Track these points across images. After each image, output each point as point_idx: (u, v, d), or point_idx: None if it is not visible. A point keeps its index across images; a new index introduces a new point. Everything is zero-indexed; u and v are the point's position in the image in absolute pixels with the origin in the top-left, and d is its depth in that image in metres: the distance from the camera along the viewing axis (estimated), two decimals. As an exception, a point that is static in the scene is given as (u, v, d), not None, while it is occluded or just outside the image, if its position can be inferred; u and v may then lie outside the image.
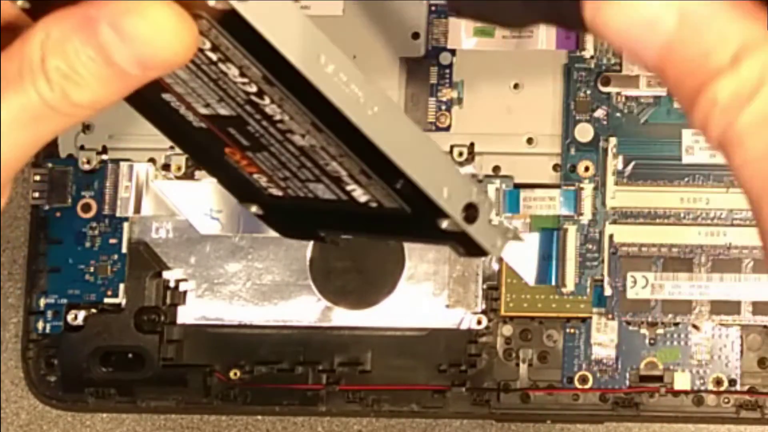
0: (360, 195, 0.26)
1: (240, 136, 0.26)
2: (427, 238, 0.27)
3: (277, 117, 0.25)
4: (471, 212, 0.26)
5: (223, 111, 0.25)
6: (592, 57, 0.57)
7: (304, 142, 0.25)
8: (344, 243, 0.30)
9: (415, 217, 0.26)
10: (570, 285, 0.56)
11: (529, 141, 0.57)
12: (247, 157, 0.27)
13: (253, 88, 0.24)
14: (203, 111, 0.26)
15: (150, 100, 0.26)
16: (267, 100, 0.24)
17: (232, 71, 0.23)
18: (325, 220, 0.28)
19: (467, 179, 0.26)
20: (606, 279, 0.56)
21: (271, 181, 0.28)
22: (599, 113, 0.57)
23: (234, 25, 0.22)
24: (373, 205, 0.26)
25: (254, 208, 0.29)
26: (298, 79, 0.23)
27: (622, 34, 0.22)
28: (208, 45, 0.23)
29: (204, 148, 0.27)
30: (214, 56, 0.23)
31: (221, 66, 0.23)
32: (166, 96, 0.25)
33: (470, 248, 0.26)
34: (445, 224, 0.25)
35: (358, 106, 0.23)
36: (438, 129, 0.57)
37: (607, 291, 0.55)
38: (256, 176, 0.28)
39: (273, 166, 0.27)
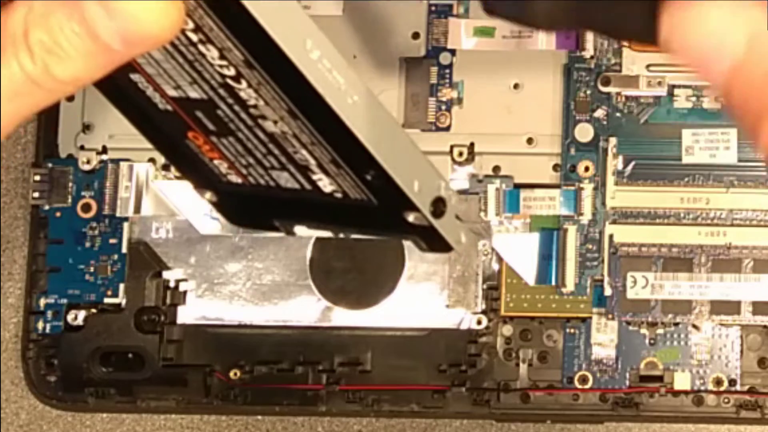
0: (326, 185, 0.26)
1: (207, 120, 0.26)
2: (390, 231, 0.26)
3: (252, 102, 0.24)
4: (439, 206, 0.26)
5: (194, 94, 0.25)
6: (592, 57, 0.57)
7: (276, 128, 0.25)
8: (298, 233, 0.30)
9: (381, 209, 0.26)
10: (570, 285, 0.56)
11: (529, 141, 0.57)
12: (210, 142, 0.27)
13: (231, 72, 0.24)
14: (172, 93, 0.25)
15: (116, 80, 0.25)
16: (244, 84, 0.24)
17: (212, 53, 0.23)
18: (283, 209, 0.28)
19: (437, 173, 0.26)
20: (606, 279, 0.56)
21: (232, 167, 0.27)
22: (599, 113, 0.57)
23: (223, 4, 0.22)
24: (338, 195, 0.26)
25: (208, 195, 0.29)
26: (282, 63, 0.23)
27: (694, 52, 0.22)
28: (191, 25, 0.23)
29: (165, 131, 0.27)
30: (194, 37, 0.23)
31: (201, 47, 0.23)
32: (135, 76, 0.25)
33: (433, 243, 0.26)
34: (412, 217, 0.25)
35: (339, 93, 0.23)
36: (438, 129, 0.57)
37: (607, 291, 0.55)
38: (216, 162, 0.27)
39: (237, 152, 0.26)
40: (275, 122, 0.25)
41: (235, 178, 0.28)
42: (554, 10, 0.24)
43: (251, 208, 0.29)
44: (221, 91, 0.24)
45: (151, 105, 0.26)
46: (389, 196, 0.25)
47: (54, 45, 0.21)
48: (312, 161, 0.25)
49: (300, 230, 0.29)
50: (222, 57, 0.23)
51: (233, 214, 0.30)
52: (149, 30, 0.21)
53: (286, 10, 0.22)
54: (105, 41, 0.21)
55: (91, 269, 0.58)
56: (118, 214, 0.58)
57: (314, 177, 0.26)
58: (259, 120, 0.25)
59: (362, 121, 0.24)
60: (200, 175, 0.28)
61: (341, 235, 0.29)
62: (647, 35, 0.23)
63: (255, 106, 0.25)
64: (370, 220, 0.26)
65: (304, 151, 0.25)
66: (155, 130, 0.27)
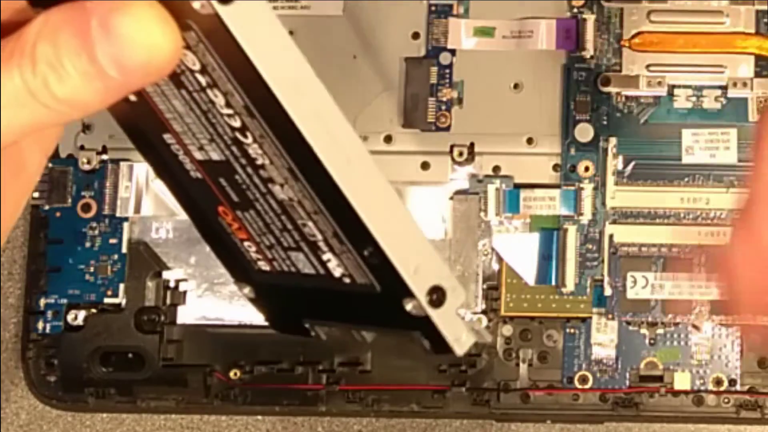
0: (335, 267, 0.25)
1: (230, 188, 0.25)
2: (395, 325, 0.25)
3: (259, 161, 0.24)
4: (438, 296, 0.24)
5: (215, 155, 0.24)
6: (592, 57, 0.57)
7: (284, 194, 0.24)
8: (328, 337, 0.29)
9: (383, 296, 0.24)
10: (570, 285, 0.56)
11: (529, 141, 0.57)
12: (237, 219, 0.26)
13: (237, 123, 0.23)
14: (198, 155, 0.25)
15: (153, 141, 0.25)
16: (249, 138, 0.23)
17: (219, 99, 0.23)
18: (308, 305, 0.27)
19: (441, 261, 0.24)
20: (606, 279, 0.56)
21: (260, 251, 0.26)
22: (599, 113, 0.57)
23: (218, 36, 0.21)
24: (347, 280, 0.25)
25: (247, 290, 0.28)
26: (274, 106, 0.22)
27: None
28: (197, 66, 0.22)
29: (200, 205, 0.26)
30: (203, 80, 0.23)
31: (210, 93, 0.23)
32: (167, 137, 0.25)
33: (435, 342, 0.25)
34: (410, 306, 0.24)
35: (334, 149, 0.22)
36: (438, 129, 0.57)
37: (607, 291, 0.55)
38: (246, 245, 0.27)
39: (259, 229, 0.26)
40: (282, 185, 0.24)
41: (264, 265, 0.27)
42: None
43: (282, 305, 0.28)
44: (234, 149, 0.24)
45: (184, 172, 0.26)
46: (388, 278, 0.24)
47: (56, 61, 0.22)
48: (319, 236, 0.24)
49: (322, 332, 0.28)
50: (228, 104, 0.23)
51: (270, 315, 0.29)
52: (142, 55, 0.21)
53: (277, 40, 0.22)
54: (101, 64, 0.21)
55: (91, 269, 0.58)
56: (118, 214, 0.58)
57: (324, 257, 0.25)
58: (269, 184, 0.24)
59: (357, 183, 0.23)
60: (237, 265, 0.27)
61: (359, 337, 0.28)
62: None
63: (263, 166, 0.24)
64: (376, 311, 0.25)
65: (310, 223, 0.24)
66: (194, 205, 0.27)
